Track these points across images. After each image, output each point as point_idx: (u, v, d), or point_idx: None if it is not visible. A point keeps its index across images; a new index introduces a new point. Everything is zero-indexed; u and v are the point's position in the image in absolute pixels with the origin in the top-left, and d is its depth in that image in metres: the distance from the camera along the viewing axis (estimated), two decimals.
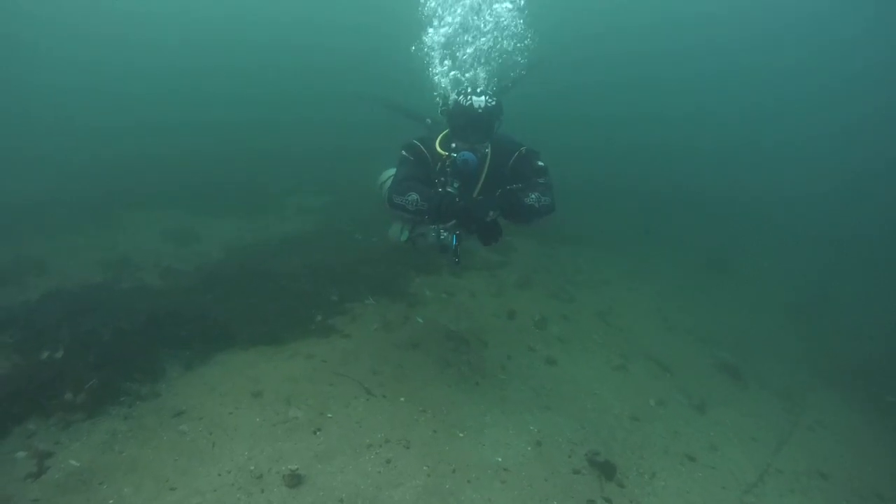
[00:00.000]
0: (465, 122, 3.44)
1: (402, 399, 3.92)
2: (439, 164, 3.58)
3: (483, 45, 4.46)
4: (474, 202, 3.31)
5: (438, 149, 3.59)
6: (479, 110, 3.40)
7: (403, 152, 3.67)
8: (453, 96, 3.53)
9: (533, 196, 3.33)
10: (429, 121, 4.53)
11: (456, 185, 3.55)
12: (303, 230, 7.89)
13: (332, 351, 4.33)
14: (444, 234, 3.64)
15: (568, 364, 5.22)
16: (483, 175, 3.63)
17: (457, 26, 4.53)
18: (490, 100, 3.44)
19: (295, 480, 3.04)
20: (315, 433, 3.39)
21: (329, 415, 3.58)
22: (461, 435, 3.71)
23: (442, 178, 3.58)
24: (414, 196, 3.25)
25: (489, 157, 3.63)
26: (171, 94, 19.50)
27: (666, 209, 11.90)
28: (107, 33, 24.55)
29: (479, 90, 3.48)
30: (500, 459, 3.56)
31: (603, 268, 8.10)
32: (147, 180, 9.96)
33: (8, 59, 20.19)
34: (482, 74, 4.38)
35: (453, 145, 3.53)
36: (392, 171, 4.16)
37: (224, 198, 9.23)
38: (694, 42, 27.61)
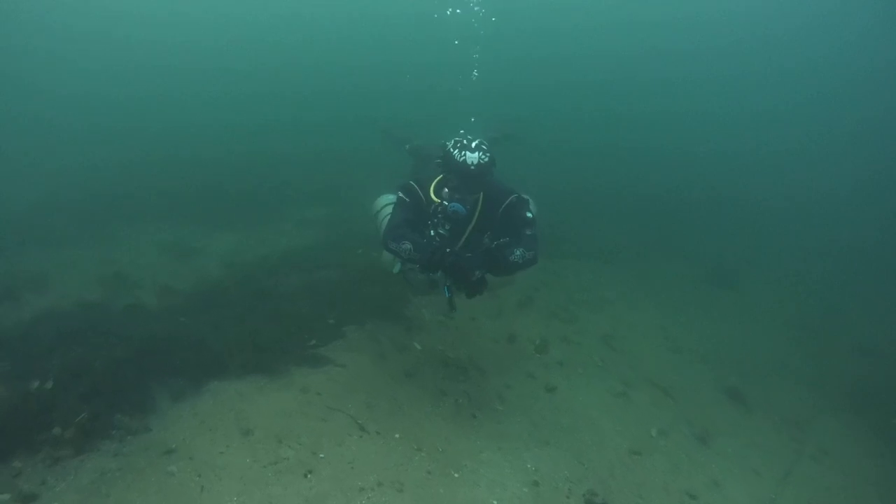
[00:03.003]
0: (458, 177, 3.57)
1: (397, 436, 3.83)
2: (432, 207, 3.76)
3: None
4: (463, 259, 3.46)
5: (432, 195, 3.76)
6: (473, 167, 3.50)
7: (400, 193, 3.84)
8: (448, 147, 3.62)
9: (518, 252, 3.52)
10: (407, 147, 4.76)
11: (447, 226, 3.77)
12: (303, 244, 7.79)
13: (326, 382, 4.25)
14: (433, 275, 3.82)
15: (568, 391, 5.13)
16: (473, 221, 3.78)
17: None
18: (483, 156, 3.53)
19: None
20: (306, 476, 3.31)
21: (321, 455, 3.49)
22: (456, 475, 3.62)
23: (434, 220, 3.79)
24: (408, 245, 3.45)
25: (480, 205, 3.75)
26: (168, 96, 19.42)
27: (668, 218, 11.74)
28: (101, 33, 24.42)
29: (473, 144, 3.56)
30: (495, 502, 3.48)
31: (606, 284, 7.98)
32: (145, 186, 9.88)
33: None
34: None
35: (445, 191, 3.71)
36: (387, 197, 4.34)
37: (224, 207, 9.16)
38: (697, 42, 27.35)
